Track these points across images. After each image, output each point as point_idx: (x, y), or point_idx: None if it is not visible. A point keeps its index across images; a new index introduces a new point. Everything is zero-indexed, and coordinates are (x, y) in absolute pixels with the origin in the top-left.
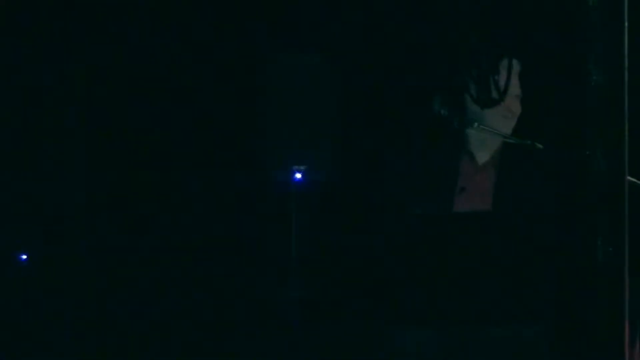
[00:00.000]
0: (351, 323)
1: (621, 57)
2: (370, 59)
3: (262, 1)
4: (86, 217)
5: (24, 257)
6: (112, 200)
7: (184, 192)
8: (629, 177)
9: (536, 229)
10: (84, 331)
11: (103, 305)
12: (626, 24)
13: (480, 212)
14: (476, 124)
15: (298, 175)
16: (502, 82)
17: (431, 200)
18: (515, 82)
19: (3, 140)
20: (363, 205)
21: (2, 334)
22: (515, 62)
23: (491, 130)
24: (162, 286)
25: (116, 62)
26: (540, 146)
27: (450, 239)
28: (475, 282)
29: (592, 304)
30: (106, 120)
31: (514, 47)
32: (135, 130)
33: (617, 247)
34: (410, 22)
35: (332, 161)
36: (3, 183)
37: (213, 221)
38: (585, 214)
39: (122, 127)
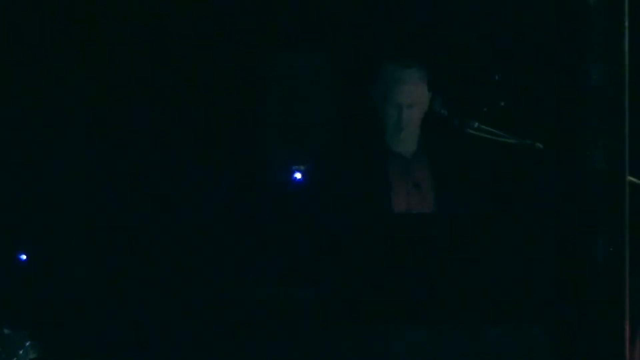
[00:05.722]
0: (350, 323)
1: (621, 57)
2: (371, 58)
3: (262, 1)
4: (86, 217)
5: (24, 257)
6: (111, 200)
7: (183, 192)
8: (629, 177)
9: (536, 229)
10: (84, 331)
11: (102, 305)
12: (626, 23)
13: (481, 212)
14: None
15: (298, 175)
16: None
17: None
18: None
19: (3, 140)
20: (363, 205)
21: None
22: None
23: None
24: (161, 286)
25: (115, 62)
26: (540, 146)
27: (451, 239)
28: (475, 282)
29: (592, 304)
30: (106, 120)
31: (514, 47)
32: (135, 130)
33: (617, 247)
34: (410, 22)
35: (332, 161)
36: (3, 183)
37: (212, 221)
38: (585, 214)
39: (121, 127)
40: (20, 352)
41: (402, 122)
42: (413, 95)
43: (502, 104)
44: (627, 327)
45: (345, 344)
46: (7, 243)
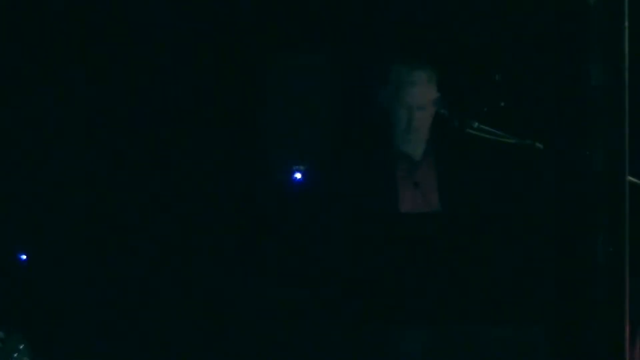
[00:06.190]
0: (350, 323)
1: (621, 57)
2: (371, 58)
3: (262, 1)
4: (86, 217)
5: (24, 257)
6: (111, 200)
7: (183, 192)
8: (629, 177)
9: (536, 229)
10: (83, 331)
11: (102, 305)
12: (626, 24)
13: (481, 212)
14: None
15: (298, 175)
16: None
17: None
18: None
19: (3, 140)
20: (363, 206)
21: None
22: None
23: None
24: (161, 286)
25: (115, 62)
26: (540, 146)
27: (451, 239)
28: (475, 282)
29: (592, 304)
30: (106, 121)
31: (514, 47)
32: (135, 130)
33: (617, 247)
34: (410, 22)
35: (332, 161)
36: (3, 183)
37: (212, 221)
38: (585, 214)
39: (121, 127)
40: (15, 355)
41: (413, 124)
42: (424, 97)
43: (502, 104)
44: (627, 327)
45: (345, 344)
46: (7, 243)
